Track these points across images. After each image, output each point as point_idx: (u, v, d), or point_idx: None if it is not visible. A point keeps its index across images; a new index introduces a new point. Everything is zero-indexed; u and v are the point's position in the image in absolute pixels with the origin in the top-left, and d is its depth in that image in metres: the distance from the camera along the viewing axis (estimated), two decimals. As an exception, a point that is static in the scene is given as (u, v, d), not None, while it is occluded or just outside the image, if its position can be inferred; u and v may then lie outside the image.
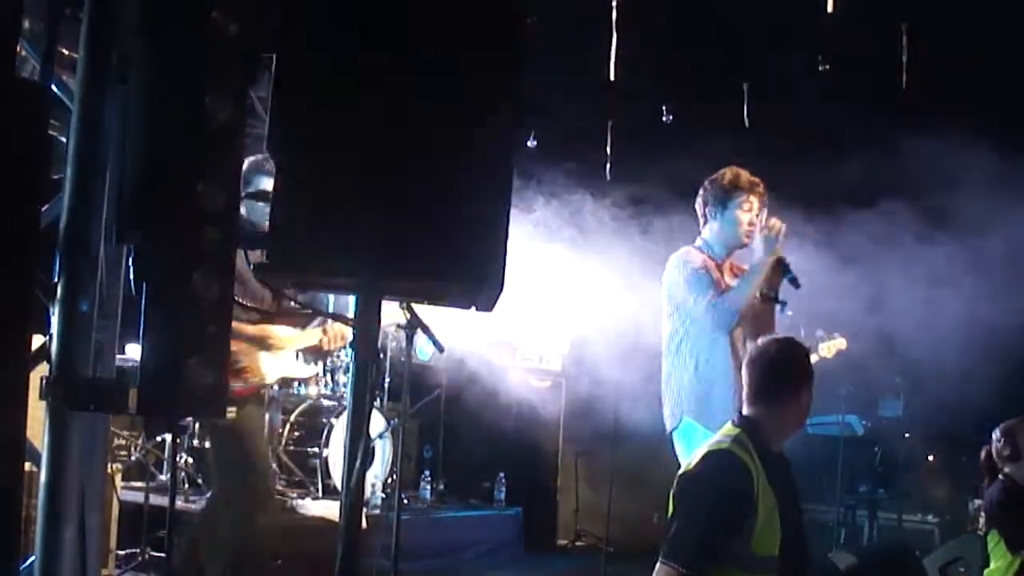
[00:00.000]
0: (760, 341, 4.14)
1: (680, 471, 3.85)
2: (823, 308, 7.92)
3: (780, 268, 5.36)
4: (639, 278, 7.60)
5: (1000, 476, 5.26)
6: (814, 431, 8.90)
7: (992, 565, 5.16)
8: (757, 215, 5.42)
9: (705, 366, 5.24)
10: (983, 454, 5.41)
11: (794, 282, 5.44)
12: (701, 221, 5.53)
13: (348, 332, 5.39)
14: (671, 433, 5.36)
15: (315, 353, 5.55)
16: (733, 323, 5.22)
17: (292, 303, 5.22)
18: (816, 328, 7.43)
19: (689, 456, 5.07)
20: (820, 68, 8.15)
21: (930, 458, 10.25)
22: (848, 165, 9.43)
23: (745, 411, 3.96)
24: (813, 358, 6.66)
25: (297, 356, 5.42)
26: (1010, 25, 7.09)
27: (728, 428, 3.93)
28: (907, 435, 9.51)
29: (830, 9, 6.65)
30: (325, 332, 5.41)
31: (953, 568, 6.32)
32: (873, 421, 9.26)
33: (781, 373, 3.94)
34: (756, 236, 5.30)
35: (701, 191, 5.53)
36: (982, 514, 5.37)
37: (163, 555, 6.18)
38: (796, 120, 8.93)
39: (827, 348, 7.04)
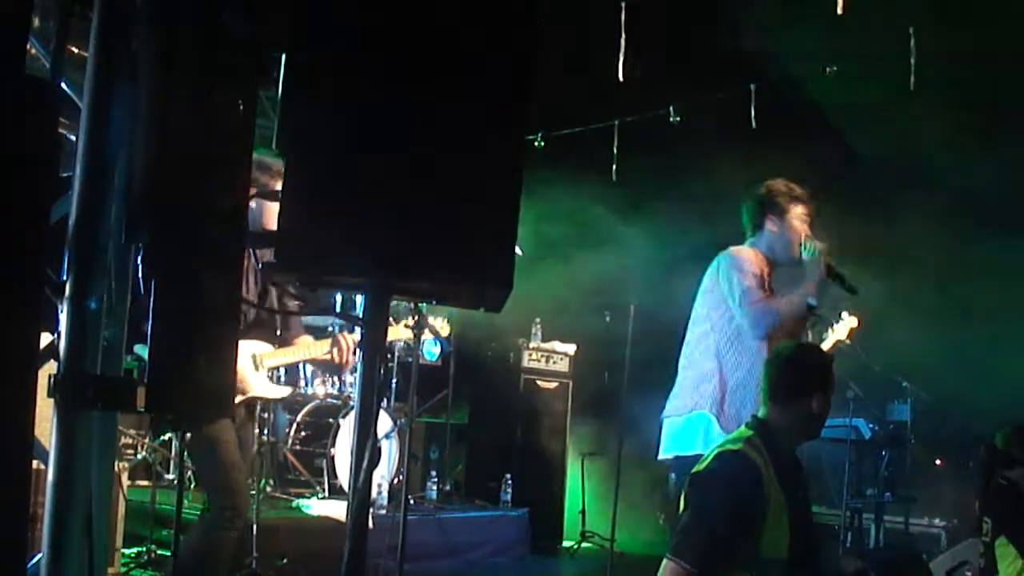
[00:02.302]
0: (783, 344, 4.17)
1: (694, 470, 3.87)
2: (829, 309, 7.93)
3: (831, 278, 5.35)
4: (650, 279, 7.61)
5: (1002, 480, 5.22)
6: (821, 434, 8.88)
7: (1000, 572, 5.12)
8: (811, 227, 5.44)
9: (738, 368, 5.23)
10: (982, 452, 5.38)
11: (852, 290, 5.46)
12: (752, 227, 5.51)
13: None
14: (669, 418, 5.36)
15: (329, 368, 5.43)
16: (770, 332, 5.19)
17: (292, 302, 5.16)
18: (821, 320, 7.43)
19: (677, 444, 5.21)
20: (827, 70, 8.15)
21: (937, 462, 10.23)
22: (852, 165, 9.44)
23: (760, 413, 4.00)
24: (829, 343, 6.71)
25: (276, 374, 5.28)
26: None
27: (742, 429, 3.96)
28: (914, 439, 9.49)
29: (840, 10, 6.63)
30: (336, 343, 5.28)
31: (959, 572, 6.30)
32: (880, 425, 9.25)
33: (798, 376, 3.97)
34: (804, 256, 5.28)
35: (757, 197, 5.51)
36: (985, 520, 5.33)
37: (169, 554, 6.19)
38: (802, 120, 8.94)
39: (839, 330, 7.00)
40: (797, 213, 5.44)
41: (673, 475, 5.32)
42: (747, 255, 5.36)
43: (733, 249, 5.41)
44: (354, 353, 5.26)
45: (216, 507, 4.75)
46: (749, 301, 5.17)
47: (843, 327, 7.04)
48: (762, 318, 5.16)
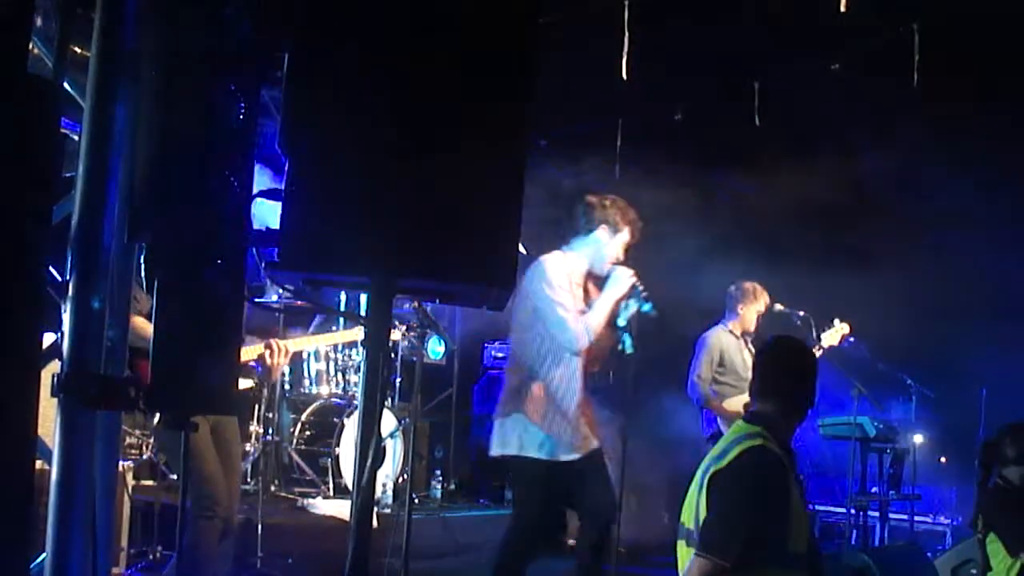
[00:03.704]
0: (768, 339, 4.22)
1: (714, 468, 3.79)
2: (834, 309, 7.95)
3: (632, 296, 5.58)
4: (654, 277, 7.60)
5: (998, 478, 5.22)
6: (826, 432, 8.89)
7: (993, 568, 5.11)
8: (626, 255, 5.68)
9: (555, 371, 5.45)
10: (982, 449, 5.37)
11: (654, 309, 5.66)
12: (584, 229, 5.64)
13: (291, 347, 5.38)
14: (495, 419, 5.63)
15: (261, 374, 5.42)
16: (584, 347, 5.43)
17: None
18: (816, 323, 7.64)
19: (502, 444, 5.52)
20: (832, 67, 8.13)
21: (941, 459, 10.22)
22: (860, 166, 9.42)
23: (756, 407, 4.00)
24: (824, 344, 7.11)
25: None
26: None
27: (746, 426, 3.92)
28: (918, 436, 9.48)
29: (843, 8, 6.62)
30: (268, 347, 5.25)
31: (964, 570, 6.29)
32: (884, 423, 9.23)
33: (790, 370, 4.03)
34: (615, 277, 5.54)
35: (590, 204, 5.65)
36: (979, 517, 5.34)
37: (173, 554, 6.19)
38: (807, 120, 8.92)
39: (831, 336, 7.41)
40: (623, 237, 5.63)
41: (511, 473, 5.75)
42: (558, 265, 5.51)
43: (545, 258, 5.56)
44: (285, 356, 5.28)
45: (192, 498, 4.78)
46: (557, 317, 5.37)
47: (835, 333, 7.46)
48: (572, 333, 5.37)
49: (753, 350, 7.84)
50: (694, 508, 3.81)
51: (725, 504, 3.70)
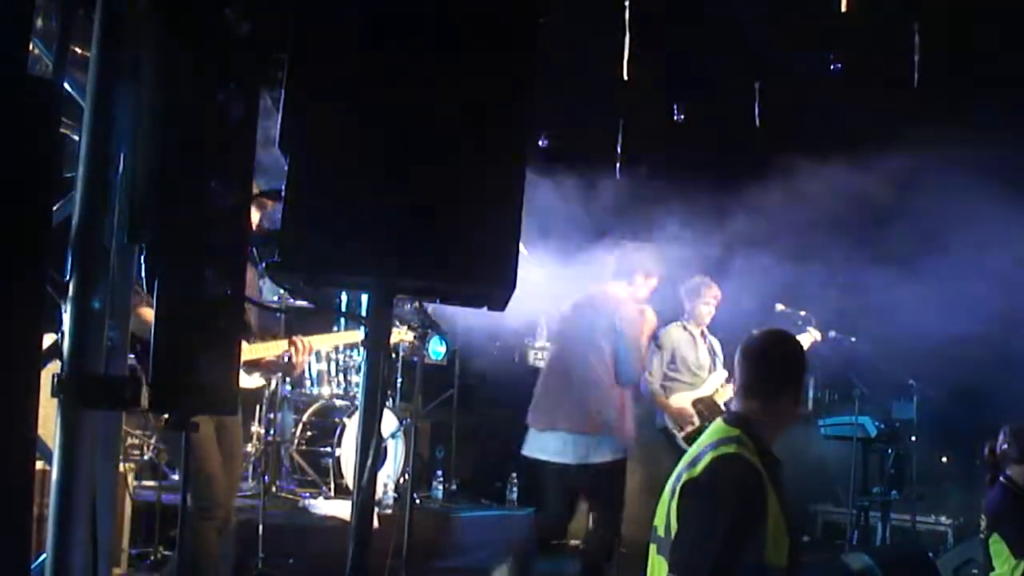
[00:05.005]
0: (755, 333, 3.90)
1: (686, 477, 3.49)
2: (836, 309, 7.94)
3: None
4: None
5: (1001, 478, 5.22)
6: (827, 432, 8.88)
7: (996, 569, 5.10)
8: None
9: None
10: (986, 450, 5.38)
11: None
12: (623, 273, 6.64)
13: (315, 344, 5.41)
14: (593, 437, 6.37)
15: (285, 369, 5.43)
16: None
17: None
18: (817, 323, 7.73)
19: (616, 450, 6.37)
20: (831, 67, 8.12)
21: (944, 460, 10.21)
22: (865, 171, 9.41)
23: (737, 407, 3.68)
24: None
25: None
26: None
27: (724, 428, 3.61)
28: (920, 437, 9.47)
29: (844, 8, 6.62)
30: (293, 344, 5.27)
31: (965, 570, 6.30)
32: (886, 423, 9.23)
33: (779, 366, 3.68)
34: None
35: (636, 251, 6.70)
36: (983, 517, 5.33)
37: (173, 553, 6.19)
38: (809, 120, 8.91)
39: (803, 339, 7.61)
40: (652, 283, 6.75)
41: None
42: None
43: (633, 300, 6.57)
44: (309, 353, 5.32)
45: (193, 497, 4.77)
46: (640, 361, 6.59)
47: (805, 338, 7.59)
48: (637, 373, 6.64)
49: (713, 345, 7.83)
50: (665, 514, 3.56)
51: (694, 520, 3.43)
